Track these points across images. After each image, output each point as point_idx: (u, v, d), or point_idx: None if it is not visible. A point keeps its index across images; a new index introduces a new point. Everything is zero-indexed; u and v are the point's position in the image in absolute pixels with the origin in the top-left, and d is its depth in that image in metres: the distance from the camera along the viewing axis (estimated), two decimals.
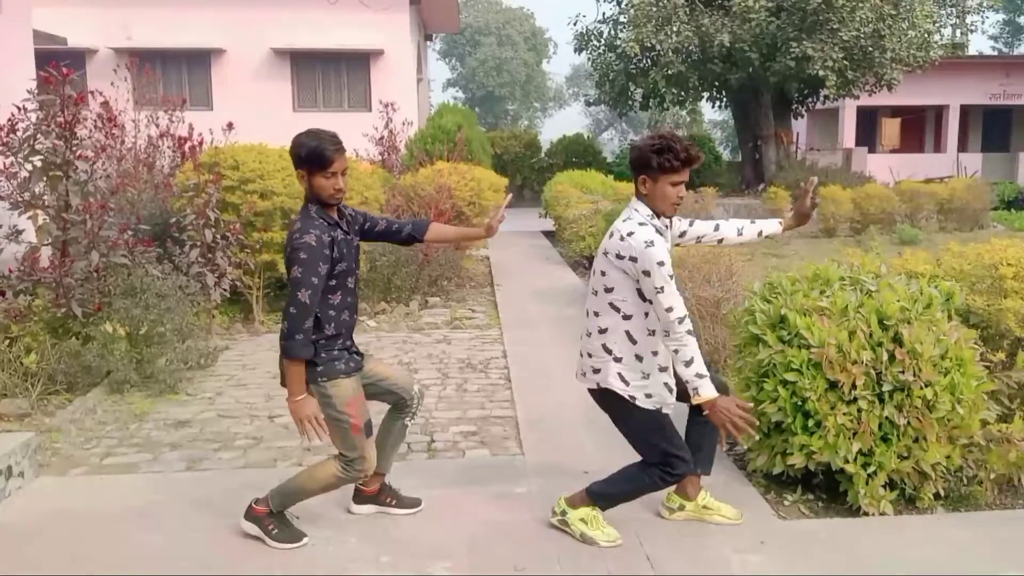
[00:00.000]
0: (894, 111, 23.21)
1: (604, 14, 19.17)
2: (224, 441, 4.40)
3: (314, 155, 2.99)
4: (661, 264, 2.87)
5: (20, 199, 5.41)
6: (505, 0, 46.78)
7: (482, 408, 4.94)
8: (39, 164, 5.46)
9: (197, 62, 15.66)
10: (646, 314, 3.02)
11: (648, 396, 3.07)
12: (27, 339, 5.08)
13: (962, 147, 23.69)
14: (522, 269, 9.97)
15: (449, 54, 47.72)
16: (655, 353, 3.05)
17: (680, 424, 3.28)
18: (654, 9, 15.53)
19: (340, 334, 3.14)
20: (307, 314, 2.95)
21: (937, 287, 3.71)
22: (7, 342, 5.01)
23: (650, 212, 3.04)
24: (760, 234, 3.39)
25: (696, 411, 3.30)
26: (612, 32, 18.75)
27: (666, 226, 3.12)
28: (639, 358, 3.04)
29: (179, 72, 15.52)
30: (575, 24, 19.04)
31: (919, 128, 24.86)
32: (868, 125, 23.45)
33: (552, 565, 3.04)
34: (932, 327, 3.46)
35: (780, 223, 3.45)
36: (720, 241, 3.40)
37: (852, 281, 3.77)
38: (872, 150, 22.78)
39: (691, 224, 3.36)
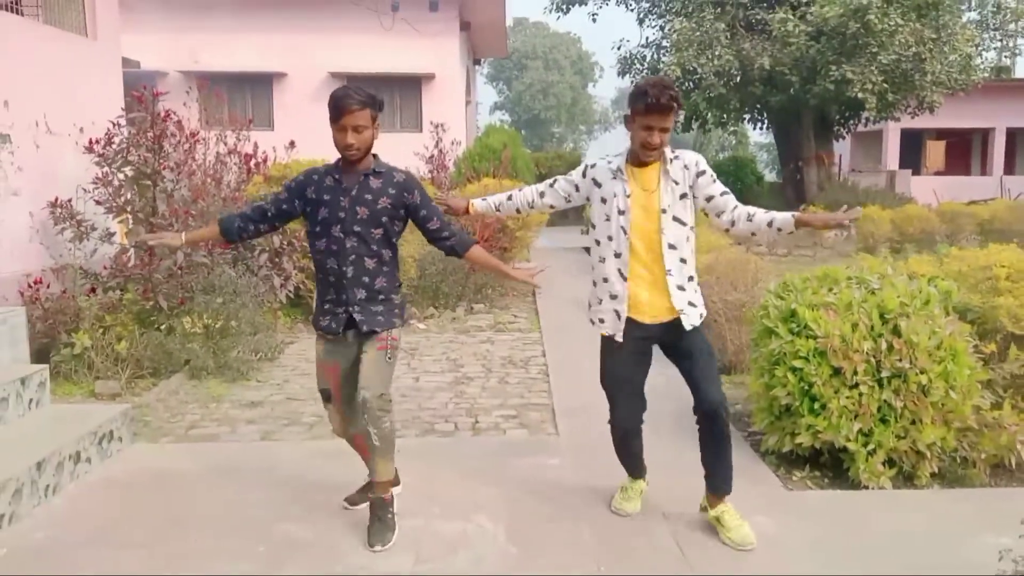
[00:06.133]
0: (939, 133, 23.21)
1: (647, 39, 19.69)
2: (292, 418, 4.94)
3: (330, 106, 3.08)
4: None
5: (114, 204, 6.08)
6: (552, 25, 47.75)
7: (521, 397, 5.40)
8: (130, 174, 6.13)
9: (260, 85, 16.52)
10: (596, 241, 3.31)
11: (601, 321, 3.34)
12: (118, 328, 5.70)
13: (1008, 170, 23.53)
14: (563, 281, 10.40)
15: (496, 78, 48.65)
16: (605, 280, 3.29)
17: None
18: (696, 34, 15.94)
19: (327, 287, 3.22)
20: (253, 208, 3.40)
21: (936, 286, 4.07)
22: (101, 331, 5.64)
23: (625, 152, 3.27)
24: (771, 225, 3.13)
25: (704, 433, 3.29)
26: (655, 56, 19.24)
27: (670, 168, 3.18)
28: (594, 283, 3.38)
29: (243, 94, 16.37)
30: (619, 48, 19.59)
31: (965, 151, 24.77)
32: (913, 147, 23.46)
33: (577, 520, 3.47)
34: (928, 321, 3.83)
35: (793, 216, 3.14)
36: (732, 224, 3.22)
37: (858, 280, 4.16)
38: (916, 172, 22.76)
39: (721, 194, 3.23)
